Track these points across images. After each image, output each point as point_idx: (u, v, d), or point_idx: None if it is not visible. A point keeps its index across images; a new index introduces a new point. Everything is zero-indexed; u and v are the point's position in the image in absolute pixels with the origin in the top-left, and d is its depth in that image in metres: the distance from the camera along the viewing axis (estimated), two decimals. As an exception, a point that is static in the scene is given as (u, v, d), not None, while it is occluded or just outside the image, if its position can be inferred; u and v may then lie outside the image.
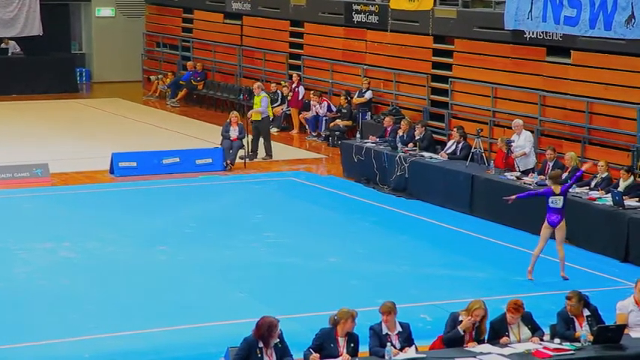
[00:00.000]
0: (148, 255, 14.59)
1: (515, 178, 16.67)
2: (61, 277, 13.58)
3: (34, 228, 15.93)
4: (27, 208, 17.34)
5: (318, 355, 9.37)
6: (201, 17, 30.36)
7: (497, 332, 9.99)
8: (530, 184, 16.11)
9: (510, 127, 18.16)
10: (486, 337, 9.98)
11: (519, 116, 18.59)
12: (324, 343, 9.48)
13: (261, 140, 21.71)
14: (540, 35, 18.84)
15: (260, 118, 21.68)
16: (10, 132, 24.08)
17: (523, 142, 17.64)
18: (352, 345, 9.53)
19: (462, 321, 9.89)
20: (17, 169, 19.34)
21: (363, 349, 9.73)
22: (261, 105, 21.76)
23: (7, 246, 14.83)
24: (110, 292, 12.99)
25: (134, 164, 20.10)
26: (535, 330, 10.11)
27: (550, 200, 13.37)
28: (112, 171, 19.98)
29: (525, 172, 17.05)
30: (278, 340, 9.27)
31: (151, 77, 31.28)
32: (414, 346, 9.63)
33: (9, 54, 30.80)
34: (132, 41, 32.87)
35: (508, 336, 9.95)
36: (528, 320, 10.11)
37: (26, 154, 20.77)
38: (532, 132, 18.31)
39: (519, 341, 9.93)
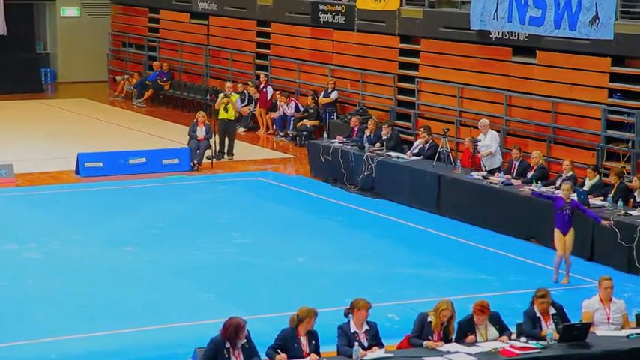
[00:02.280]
0: (115, 255, 14.52)
1: (481, 178, 16.75)
2: (26, 278, 13.48)
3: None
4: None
5: (285, 355, 9.37)
6: (168, 17, 30.25)
7: (465, 332, 10.03)
8: (496, 184, 16.19)
9: (477, 127, 18.25)
10: (454, 337, 10.01)
11: (485, 116, 18.69)
12: (286, 343, 9.47)
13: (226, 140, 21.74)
14: (506, 35, 18.94)
15: (233, 117, 21.74)
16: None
17: (489, 141, 17.72)
18: (313, 342, 9.55)
19: (430, 321, 9.92)
20: (-20, 170, 19.19)
21: (327, 348, 9.74)
22: (236, 104, 21.85)
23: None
24: (76, 293, 12.90)
25: (100, 165, 20.00)
26: (503, 330, 10.16)
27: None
28: (77, 171, 19.87)
29: (491, 172, 17.13)
30: (245, 340, 9.26)
31: (116, 77, 31.12)
32: (383, 348, 9.66)
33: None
34: (97, 41, 32.69)
35: (475, 336, 9.99)
36: (496, 320, 10.16)
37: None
38: (498, 131, 18.40)
39: (486, 341, 9.97)
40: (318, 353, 9.51)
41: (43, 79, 31.87)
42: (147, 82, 29.20)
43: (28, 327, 11.59)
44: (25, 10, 32.36)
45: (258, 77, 25.87)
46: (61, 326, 11.56)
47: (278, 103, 24.37)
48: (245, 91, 25.31)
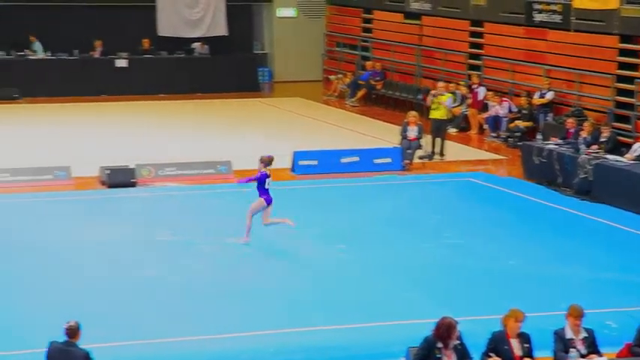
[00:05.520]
0: (327, 253, 14.74)
1: None
2: (240, 271, 13.88)
3: (218, 223, 16.33)
4: (212, 204, 17.80)
5: (499, 358, 9.28)
6: (381, 17, 30.48)
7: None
8: None
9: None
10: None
11: None
12: (497, 345, 9.40)
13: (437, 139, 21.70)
14: None
15: (445, 117, 21.71)
16: (194, 130, 24.80)
17: None
18: (526, 345, 9.41)
19: None
20: (203, 166, 19.90)
21: (541, 353, 9.58)
22: (447, 104, 21.83)
23: (191, 240, 15.26)
24: (288, 288, 13.19)
25: (315, 162, 20.36)
26: None
27: None
28: (293, 169, 20.30)
29: None
30: (458, 341, 9.24)
31: (330, 77, 31.64)
32: (603, 357, 9.40)
33: (195, 54, 31.70)
34: (312, 41, 33.33)
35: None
36: None
37: (210, 152, 21.33)
38: None
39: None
40: (531, 357, 9.37)
41: (260, 78, 32.72)
42: (360, 82, 29.53)
43: (244, 319, 11.91)
44: (244, 11, 33.37)
45: (470, 77, 25.70)
46: (273, 321, 11.84)
47: (490, 103, 24.12)
48: (457, 91, 25.19)
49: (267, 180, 14.81)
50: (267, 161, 14.91)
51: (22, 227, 15.90)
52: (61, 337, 9.05)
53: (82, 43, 30.37)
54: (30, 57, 29.91)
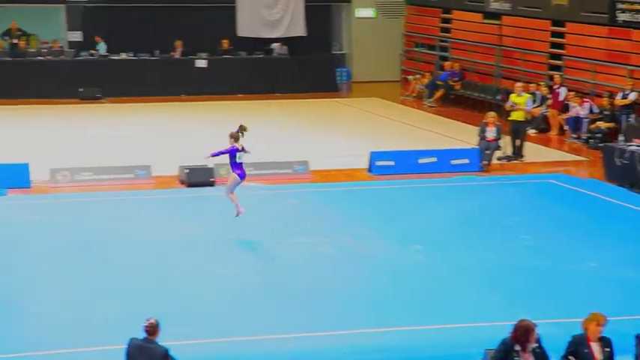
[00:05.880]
0: (403, 253, 14.70)
1: None
2: (317, 271, 13.92)
3: (295, 223, 16.41)
4: (288, 204, 17.88)
5: (580, 362, 9.18)
6: (460, 17, 30.31)
7: None
8: None
9: None
10: None
11: None
12: (577, 349, 9.27)
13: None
14: None
15: (523, 118, 21.50)
16: (272, 130, 24.93)
17: None
18: (607, 350, 9.27)
19: None
20: (280, 165, 19.99)
21: (623, 357, 9.43)
22: (526, 105, 21.60)
23: (268, 240, 15.34)
24: (365, 288, 13.19)
25: (392, 163, 20.32)
26: None
27: None
28: (370, 169, 20.29)
29: None
30: (536, 344, 9.13)
31: (408, 77, 31.56)
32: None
33: (274, 54, 31.87)
34: (390, 41, 33.29)
35: None
36: None
37: (288, 152, 21.42)
38: None
39: None
40: (611, 361, 9.25)
41: (338, 78, 32.76)
42: (438, 82, 29.40)
43: (317, 318, 11.96)
44: (323, 11, 33.45)
45: (551, 78, 25.41)
46: (349, 320, 11.84)
47: (571, 104, 23.82)
48: (537, 92, 24.93)
49: (237, 154, 15.37)
50: (236, 136, 15.50)
51: (103, 225, 16.14)
52: (141, 334, 9.16)
53: (163, 44, 30.76)
54: (113, 57, 30.36)
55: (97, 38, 30.72)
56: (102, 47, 30.57)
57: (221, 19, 31.74)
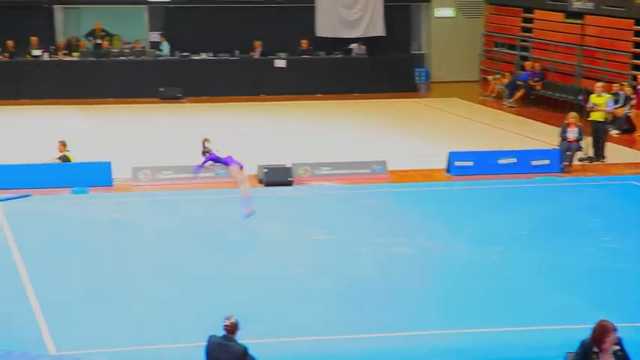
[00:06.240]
0: (481, 255, 14.59)
1: None
2: (395, 271, 13.89)
3: (372, 223, 16.40)
4: (366, 204, 17.88)
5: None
6: (542, 17, 29.98)
7: None
8: None
9: None
10: None
11: None
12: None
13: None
14: None
15: (603, 119, 21.19)
16: (350, 130, 24.95)
17: None
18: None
19: None
20: (358, 165, 20.00)
21: None
22: (606, 106, 21.29)
23: (346, 239, 15.35)
24: (444, 289, 13.13)
25: (470, 163, 20.18)
26: None
27: None
28: (448, 170, 20.19)
29: None
30: (618, 347, 8.99)
31: (488, 77, 31.31)
32: None
33: (353, 54, 31.88)
34: (470, 41, 33.05)
35: None
36: None
37: (366, 151, 21.42)
38: None
39: None
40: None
41: (416, 78, 32.64)
42: (518, 83, 29.12)
43: (394, 318, 11.94)
44: (402, 11, 33.35)
45: (634, 78, 24.99)
46: (426, 321, 11.81)
47: (654, 105, 23.41)
48: (620, 92, 24.54)
49: (217, 156, 15.89)
50: (207, 149, 15.99)
51: (182, 224, 16.33)
52: (220, 332, 9.25)
53: (242, 44, 30.99)
54: (194, 57, 30.67)
55: (161, 38, 31.13)
56: (165, 47, 30.92)
57: (300, 19, 31.84)
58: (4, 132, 23.99)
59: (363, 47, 31.92)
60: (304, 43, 31.40)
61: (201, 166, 16.29)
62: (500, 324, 11.64)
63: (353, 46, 31.99)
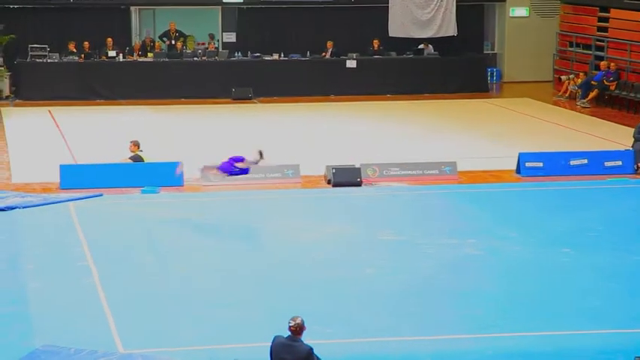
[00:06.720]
0: (551, 256, 14.44)
1: None
2: (464, 272, 13.82)
3: (441, 224, 16.34)
4: (435, 205, 17.82)
5: None
6: (618, 16, 29.53)
7: None
8: None
9: None
10: None
11: None
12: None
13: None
14: None
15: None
16: (420, 130, 24.88)
17: None
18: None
19: None
20: (427, 166, 19.91)
21: None
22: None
23: (414, 240, 15.31)
24: (510, 291, 13.01)
25: (540, 164, 19.99)
26: None
27: None
28: (518, 171, 20.01)
29: None
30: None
31: (561, 77, 30.95)
32: None
33: (425, 54, 31.77)
34: (544, 41, 32.71)
35: None
36: None
37: (435, 152, 21.33)
38: None
39: None
40: None
41: (489, 78, 32.40)
42: (592, 83, 28.74)
43: (461, 320, 11.87)
44: (475, 11, 33.13)
45: None
46: (495, 323, 11.72)
47: None
48: (696, 92, 24.10)
49: (233, 168, 16.70)
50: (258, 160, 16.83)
51: (252, 224, 16.47)
52: (285, 332, 9.29)
53: (314, 44, 31.06)
54: (265, 58, 30.83)
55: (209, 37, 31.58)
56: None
57: (372, 20, 31.82)
58: (80, 132, 24.38)
59: (430, 47, 31.79)
60: (376, 43, 31.36)
61: (234, 173, 16.87)
62: (568, 327, 11.52)
63: (421, 46, 31.88)
